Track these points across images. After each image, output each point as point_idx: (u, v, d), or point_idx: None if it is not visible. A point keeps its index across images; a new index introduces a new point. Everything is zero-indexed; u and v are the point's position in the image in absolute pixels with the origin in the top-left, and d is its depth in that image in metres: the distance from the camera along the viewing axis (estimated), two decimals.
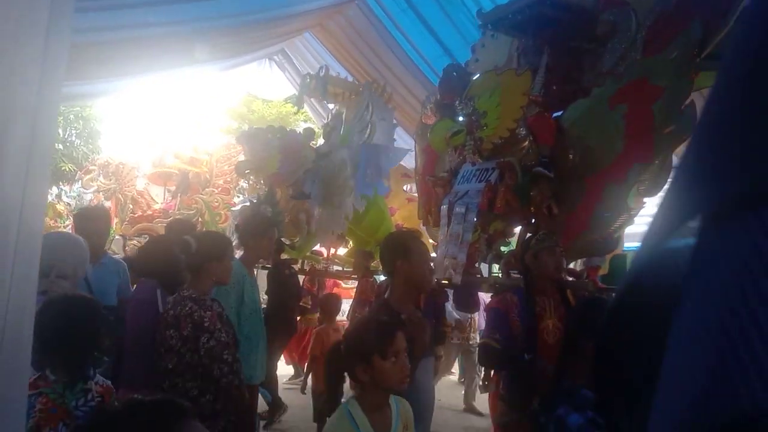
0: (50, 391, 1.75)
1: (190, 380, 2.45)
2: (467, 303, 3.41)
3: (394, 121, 4.69)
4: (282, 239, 5.16)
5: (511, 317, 2.54)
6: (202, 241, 2.73)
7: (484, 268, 3.43)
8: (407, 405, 1.85)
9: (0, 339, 1.00)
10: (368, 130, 4.34)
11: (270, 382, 5.68)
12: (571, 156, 2.72)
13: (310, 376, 5.31)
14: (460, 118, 3.03)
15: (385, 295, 2.51)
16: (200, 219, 8.27)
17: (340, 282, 7.41)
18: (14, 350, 1.03)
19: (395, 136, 4.71)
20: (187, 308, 2.46)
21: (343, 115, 5.07)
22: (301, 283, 6.64)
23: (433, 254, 3.64)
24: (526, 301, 2.55)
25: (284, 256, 5.26)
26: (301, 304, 6.12)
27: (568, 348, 2.04)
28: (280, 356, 6.08)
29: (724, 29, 2.31)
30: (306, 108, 8.54)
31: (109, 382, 1.97)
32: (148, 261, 3.12)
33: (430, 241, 3.97)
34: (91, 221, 3.37)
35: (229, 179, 8.81)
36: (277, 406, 5.65)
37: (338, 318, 7.82)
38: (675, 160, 2.47)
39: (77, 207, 9.63)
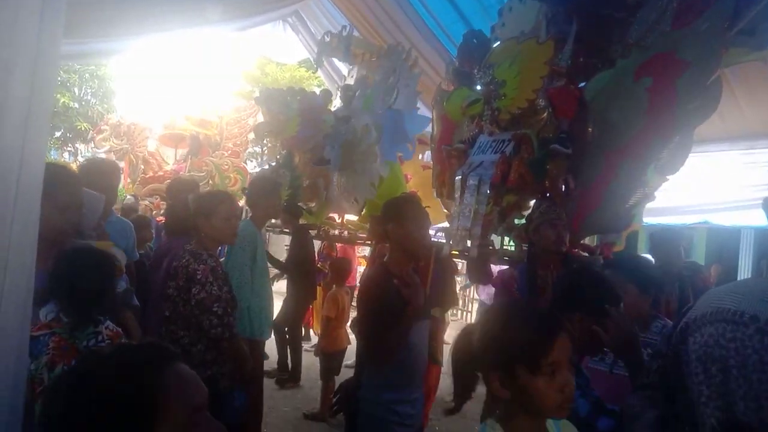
0: (62, 331, 1.88)
1: (182, 329, 2.59)
2: (479, 275, 3.42)
3: (417, 89, 4.59)
4: (300, 204, 5.18)
5: (511, 292, 2.54)
6: (195, 200, 2.88)
7: (496, 240, 3.42)
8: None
9: (2, 283, 1.04)
10: (394, 94, 4.25)
11: (296, 350, 5.83)
12: (590, 130, 2.66)
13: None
14: (478, 87, 2.96)
15: (384, 259, 2.53)
16: (210, 181, 8.31)
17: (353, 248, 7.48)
18: (16, 293, 1.07)
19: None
20: (184, 261, 2.61)
21: (368, 80, 4.94)
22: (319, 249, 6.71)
23: (446, 224, 3.63)
24: (528, 275, 2.55)
25: (302, 221, 5.30)
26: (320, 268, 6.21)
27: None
28: (302, 320, 6.20)
29: (758, 4, 2.22)
30: (320, 72, 8.41)
31: (120, 329, 2.07)
32: (176, 221, 3.27)
33: (444, 210, 3.96)
34: (104, 175, 3.07)
35: (239, 142, 8.80)
36: (294, 375, 5.79)
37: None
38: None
39: None
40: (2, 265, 1.02)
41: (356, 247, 7.52)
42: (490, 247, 3.12)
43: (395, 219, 2.42)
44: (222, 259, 3.22)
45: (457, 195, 2.92)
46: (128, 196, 8.27)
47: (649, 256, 4.08)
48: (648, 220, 5.80)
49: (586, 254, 2.97)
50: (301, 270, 5.60)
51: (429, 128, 4.22)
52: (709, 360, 1.13)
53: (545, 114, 2.76)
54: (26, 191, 1.07)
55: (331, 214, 5.43)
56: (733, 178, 5.69)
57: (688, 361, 1.18)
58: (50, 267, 1.90)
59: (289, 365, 5.86)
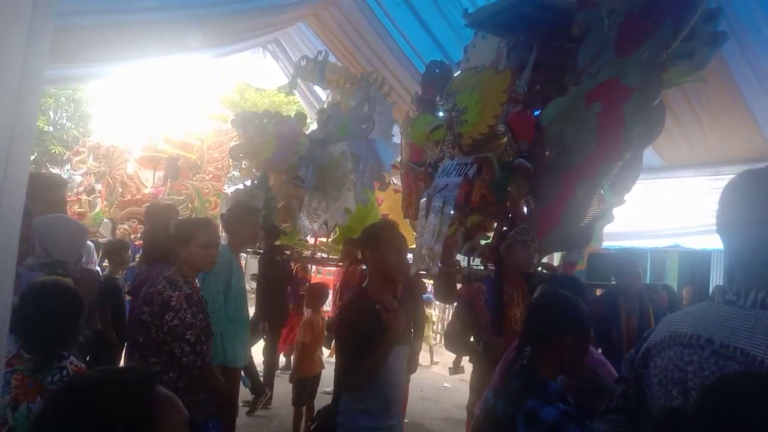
0: (24, 368, 1.84)
1: (154, 356, 2.55)
2: (446, 293, 3.47)
3: (393, 117, 4.71)
4: (276, 225, 5.20)
5: (478, 305, 2.60)
6: (174, 226, 2.86)
7: (463, 260, 3.49)
8: None
9: None
10: (369, 123, 4.34)
11: (270, 366, 5.73)
12: (547, 153, 2.78)
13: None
14: (441, 114, 3.07)
15: (363, 284, 2.57)
16: (190, 205, 8.29)
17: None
18: None
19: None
20: (160, 287, 2.57)
21: (341, 105, 5.05)
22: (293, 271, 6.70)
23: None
24: (496, 290, 2.62)
25: (278, 242, 5.32)
26: (300, 292, 6.17)
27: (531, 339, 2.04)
28: (277, 341, 6.13)
29: (688, 26, 2.36)
30: (297, 96, 8.53)
31: (83, 365, 2.05)
32: (154, 247, 3.22)
33: (414, 234, 4.03)
34: (50, 189, 2.90)
35: (220, 166, 8.83)
36: (260, 391, 5.69)
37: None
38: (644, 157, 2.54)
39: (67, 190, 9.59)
40: None
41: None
42: (457, 267, 3.19)
43: (373, 245, 2.44)
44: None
45: (422, 215, 3.00)
46: (105, 220, 8.21)
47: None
48: (620, 243, 5.95)
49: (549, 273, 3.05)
50: (275, 289, 5.56)
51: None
52: (669, 383, 1.16)
53: (505, 139, 2.88)
54: (6, 217, 1.07)
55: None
56: (701, 202, 5.87)
57: (650, 385, 1.21)
58: (15, 302, 1.84)
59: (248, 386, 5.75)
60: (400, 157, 4.20)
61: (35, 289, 1.98)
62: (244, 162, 5.86)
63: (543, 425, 1.64)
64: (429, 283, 4.78)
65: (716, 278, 8.55)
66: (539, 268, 3.03)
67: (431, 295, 6.77)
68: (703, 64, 2.47)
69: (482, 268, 3.34)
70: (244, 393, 5.60)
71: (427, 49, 6.13)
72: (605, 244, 4.06)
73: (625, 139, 2.42)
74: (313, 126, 5.44)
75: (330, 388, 4.86)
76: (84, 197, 8.84)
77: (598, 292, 3.89)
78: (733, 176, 1.20)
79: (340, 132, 4.70)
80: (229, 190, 9.00)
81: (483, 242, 3.31)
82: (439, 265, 2.96)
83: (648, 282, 6.10)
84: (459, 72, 3.59)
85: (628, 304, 3.59)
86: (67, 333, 1.97)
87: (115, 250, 5.37)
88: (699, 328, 1.14)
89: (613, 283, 3.81)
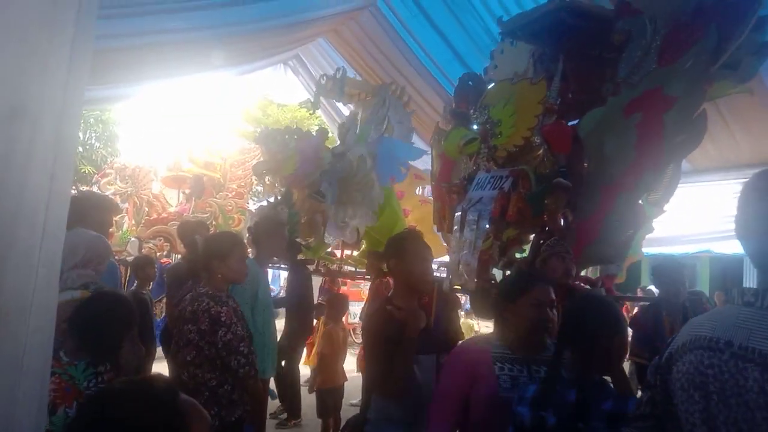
0: (62, 372, 1.87)
1: (208, 371, 2.58)
2: (482, 308, 3.43)
3: (412, 126, 4.71)
4: (298, 240, 5.22)
5: None
6: (208, 241, 2.93)
7: (499, 274, 3.45)
8: None
9: (26, 327, 1.06)
10: (384, 123, 4.37)
11: (293, 384, 5.76)
12: (586, 165, 2.74)
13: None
14: (475, 127, 3.05)
15: (389, 294, 2.57)
16: (214, 222, 8.38)
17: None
18: (40, 336, 1.10)
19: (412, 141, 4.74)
20: (204, 304, 2.60)
21: (359, 116, 5.09)
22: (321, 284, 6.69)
23: (446, 258, 3.66)
24: None
25: (300, 257, 5.33)
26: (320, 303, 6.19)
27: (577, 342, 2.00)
28: (300, 357, 6.14)
29: (739, 38, 2.31)
30: (320, 112, 8.61)
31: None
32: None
33: (443, 243, 4.01)
34: (100, 211, 2.94)
35: (243, 183, 8.92)
36: (294, 412, 5.70)
37: (351, 320, 7.85)
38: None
39: None
40: (27, 307, 1.05)
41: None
42: (492, 281, 3.15)
43: (397, 255, 2.46)
44: None
45: (456, 229, 2.97)
46: (132, 239, 8.34)
47: (653, 287, 4.10)
48: (650, 250, 5.85)
49: (588, 286, 3.00)
50: (300, 306, 5.58)
51: (429, 165, 4.30)
52: (691, 387, 1.16)
53: (541, 151, 2.85)
54: (52, 234, 1.11)
55: (330, 249, 5.47)
56: (730, 206, 5.75)
57: (674, 390, 1.22)
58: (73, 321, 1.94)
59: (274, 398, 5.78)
60: (431, 169, 4.19)
61: (94, 297, 2.06)
62: (267, 178, 5.91)
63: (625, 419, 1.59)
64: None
65: (749, 283, 8.35)
66: (578, 282, 2.99)
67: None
68: (750, 75, 2.39)
69: None
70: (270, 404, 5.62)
71: (446, 60, 6.17)
72: None
73: (666, 149, 2.37)
74: (337, 142, 5.47)
75: (356, 400, 4.85)
76: (113, 217, 9.01)
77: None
78: (749, 180, 1.23)
79: (359, 138, 4.73)
80: (252, 206, 9.09)
81: (518, 255, 3.26)
82: (475, 280, 2.93)
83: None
84: (489, 80, 3.56)
85: (672, 315, 3.51)
86: (119, 345, 2.01)
87: (140, 266, 5.46)
88: (718, 331, 1.15)
89: (651, 292, 3.73)
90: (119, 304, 2.10)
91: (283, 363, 5.72)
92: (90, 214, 2.83)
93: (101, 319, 1.96)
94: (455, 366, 2.11)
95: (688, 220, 5.76)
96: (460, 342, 2.35)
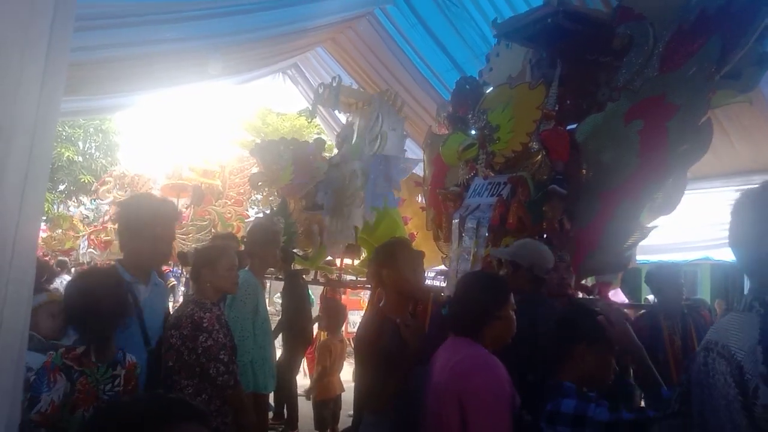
0: (90, 373, 1.92)
1: (186, 378, 2.54)
2: None
3: (405, 132, 4.71)
4: (292, 249, 5.19)
5: None
6: (197, 251, 2.93)
7: None
8: None
9: None
10: (378, 141, 4.37)
11: (290, 397, 5.69)
12: (584, 171, 2.70)
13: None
14: (473, 132, 3.02)
15: (380, 304, 2.51)
16: (213, 230, 8.36)
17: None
18: (10, 353, 1.08)
19: (405, 147, 4.73)
20: (188, 309, 2.58)
21: (355, 125, 5.09)
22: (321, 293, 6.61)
23: (443, 267, 3.62)
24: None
25: (296, 267, 5.29)
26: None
27: (554, 350, 1.96)
28: (299, 368, 6.07)
29: (743, 48, 2.29)
30: (318, 120, 8.62)
31: (134, 360, 2.12)
32: None
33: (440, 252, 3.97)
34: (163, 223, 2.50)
35: (241, 191, 8.91)
36: (291, 423, 5.63)
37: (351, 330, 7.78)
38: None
39: (95, 218, 9.78)
40: None
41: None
42: None
43: (389, 263, 2.39)
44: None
45: (454, 238, 2.93)
46: None
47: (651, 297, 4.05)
48: (649, 257, 5.81)
49: (585, 295, 2.96)
50: (296, 317, 5.53)
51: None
52: (695, 383, 1.34)
53: (539, 156, 2.81)
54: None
55: (329, 258, 5.44)
56: (729, 214, 5.71)
57: (691, 388, 1.37)
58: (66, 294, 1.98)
59: (285, 413, 5.71)
60: (423, 174, 4.16)
61: (84, 276, 2.13)
62: (264, 190, 5.89)
63: (565, 418, 1.66)
64: None
65: None
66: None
67: None
68: (752, 85, 2.35)
69: None
70: None
71: (443, 68, 6.17)
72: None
73: (669, 158, 2.33)
74: (335, 152, 5.47)
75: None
76: (110, 225, 8.99)
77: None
78: (740, 194, 1.34)
79: (353, 152, 4.73)
80: (252, 213, 9.08)
81: None
82: None
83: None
84: (484, 83, 3.54)
85: (670, 323, 3.44)
86: (120, 316, 2.03)
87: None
88: (713, 334, 1.33)
89: (650, 300, 3.68)
90: (110, 279, 2.13)
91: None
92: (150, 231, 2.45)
93: (97, 298, 1.97)
94: (503, 384, 1.87)
95: (688, 228, 5.72)
96: (479, 357, 2.10)
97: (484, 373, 1.83)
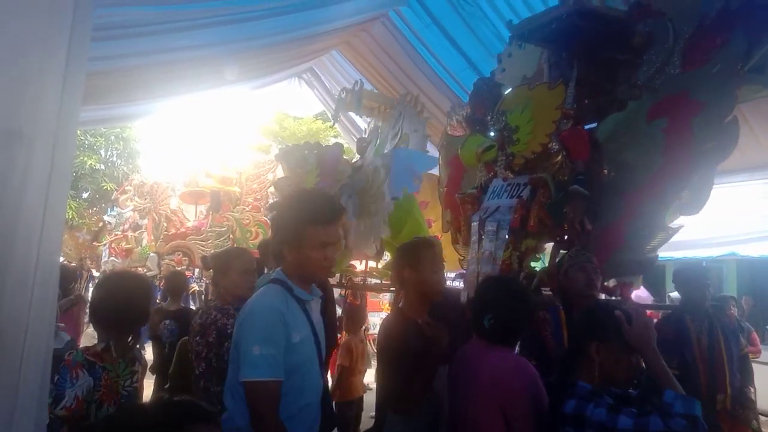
0: (111, 369, 1.97)
1: (217, 384, 2.56)
2: None
3: (427, 133, 4.68)
4: None
5: (544, 336, 2.48)
6: (213, 257, 2.97)
7: None
8: None
9: (22, 345, 1.08)
10: (398, 137, 4.36)
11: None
12: (606, 171, 2.65)
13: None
14: (491, 133, 2.98)
15: (400, 305, 2.50)
16: (231, 236, 8.43)
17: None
18: (35, 355, 1.11)
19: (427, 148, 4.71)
20: (212, 317, 2.62)
21: (380, 129, 5.08)
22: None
23: (462, 270, 3.58)
24: (559, 318, 2.51)
25: None
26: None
27: (573, 349, 1.96)
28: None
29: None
30: (336, 125, 8.63)
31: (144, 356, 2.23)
32: None
33: (459, 256, 3.92)
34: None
35: (259, 197, 8.97)
36: None
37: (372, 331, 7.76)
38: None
39: (116, 226, 9.95)
40: (23, 326, 1.06)
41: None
42: None
43: (411, 264, 2.39)
44: None
45: (474, 240, 2.90)
46: (151, 254, 8.42)
47: (675, 294, 3.96)
48: (674, 254, 5.69)
49: (606, 296, 2.90)
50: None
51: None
52: None
53: (559, 157, 2.76)
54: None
55: (352, 262, 5.42)
56: (756, 208, 5.58)
57: None
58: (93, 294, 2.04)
59: None
60: (439, 176, 4.13)
61: (111, 277, 2.20)
62: None
63: (566, 418, 1.67)
64: None
65: None
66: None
67: None
68: None
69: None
70: None
71: (459, 68, 6.13)
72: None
73: (694, 156, 2.27)
74: (355, 156, 5.46)
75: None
76: (130, 233, 9.13)
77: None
78: None
79: (376, 153, 4.71)
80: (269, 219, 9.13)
81: (534, 264, 3.17)
82: None
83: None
84: (502, 85, 3.50)
85: (696, 323, 3.36)
86: (145, 316, 2.11)
87: (174, 280, 5.41)
88: None
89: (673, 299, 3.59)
90: (134, 280, 2.19)
91: None
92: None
93: (124, 299, 2.03)
94: (540, 386, 1.96)
95: (712, 223, 5.59)
96: (513, 360, 2.11)
97: (524, 377, 1.93)
